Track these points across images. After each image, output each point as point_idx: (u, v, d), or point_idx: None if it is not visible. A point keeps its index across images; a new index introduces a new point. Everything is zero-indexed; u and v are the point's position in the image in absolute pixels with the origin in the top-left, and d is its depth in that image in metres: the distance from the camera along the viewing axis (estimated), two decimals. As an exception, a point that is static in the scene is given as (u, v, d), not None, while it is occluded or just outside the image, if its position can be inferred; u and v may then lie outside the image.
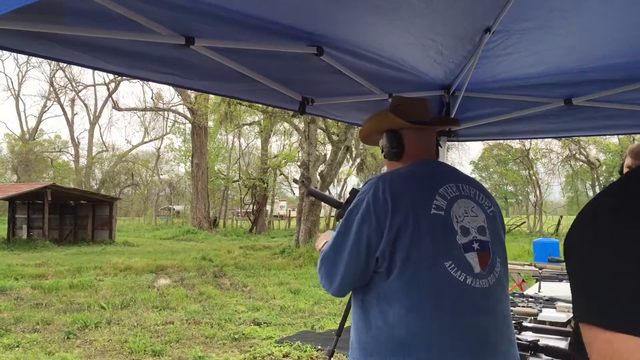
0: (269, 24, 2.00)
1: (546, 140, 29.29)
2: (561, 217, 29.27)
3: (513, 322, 2.87)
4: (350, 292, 1.60)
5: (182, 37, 1.86)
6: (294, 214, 28.31)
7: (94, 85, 38.96)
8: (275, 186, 34.59)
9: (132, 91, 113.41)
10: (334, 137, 18.19)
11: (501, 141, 30.60)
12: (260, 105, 17.18)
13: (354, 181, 32.61)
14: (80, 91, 40.12)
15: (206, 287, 10.20)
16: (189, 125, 30.64)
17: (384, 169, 1.76)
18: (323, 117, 3.74)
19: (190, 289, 10.09)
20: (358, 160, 26.90)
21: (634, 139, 19.63)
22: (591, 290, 0.61)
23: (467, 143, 29.87)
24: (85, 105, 41.78)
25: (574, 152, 32.23)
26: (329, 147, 20.86)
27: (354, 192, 1.65)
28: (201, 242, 23.03)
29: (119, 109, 37.73)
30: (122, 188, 42.75)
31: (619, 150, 28.96)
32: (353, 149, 20.36)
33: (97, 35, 1.75)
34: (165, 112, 36.48)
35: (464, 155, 46.04)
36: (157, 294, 9.45)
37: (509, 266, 5.86)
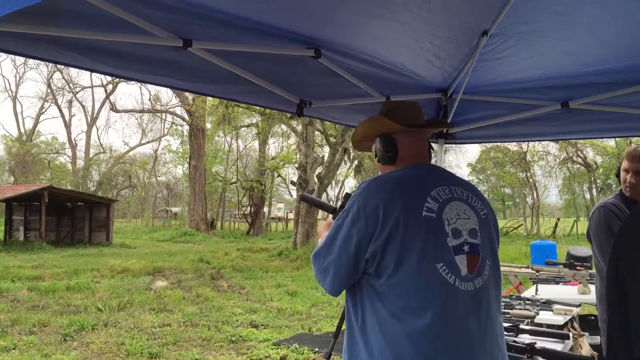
0: (267, 26, 2.00)
1: (543, 142, 29.40)
2: (558, 219, 29.37)
3: (510, 324, 2.89)
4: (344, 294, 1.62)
5: (179, 40, 1.87)
6: (291, 216, 28.31)
7: (92, 86, 38.98)
8: (272, 188, 34.64)
9: (129, 93, 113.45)
10: (332, 139, 18.19)
11: (498, 144, 30.68)
12: (257, 108, 17.18)
13: (351, 183, 32.65)
14: (77, 93, 40.19)
15: (203, 289, 10.18)
16: (187, 127, 30.62)
17: (379, 173, 1.77)
18: (321, 119, 3.74)
19: (188, 291, 10.07)
20: (355, 162, 26.95)
21: (630, 142, 19.71)
22: None
23: (465, 145, 29.93)
24: (83, 106, 41.91)
25: (571, 154, 32.35)
26: (326, 149, 20.86)
27: (347, 196, 1.66)
28: (198, 244, 23.00)
29: (117, 111, 37.68)
30: (119, 190, 42.67)
31: (616, 152, 29.08)
32: (350, 151, 20.35)
33: (94, 38, 1.75)
34: (163, 114, 36.43)
35: (461, 158, 46.26)
36: (154, 296, 9.43)
37: (507, 269, 5.93)
